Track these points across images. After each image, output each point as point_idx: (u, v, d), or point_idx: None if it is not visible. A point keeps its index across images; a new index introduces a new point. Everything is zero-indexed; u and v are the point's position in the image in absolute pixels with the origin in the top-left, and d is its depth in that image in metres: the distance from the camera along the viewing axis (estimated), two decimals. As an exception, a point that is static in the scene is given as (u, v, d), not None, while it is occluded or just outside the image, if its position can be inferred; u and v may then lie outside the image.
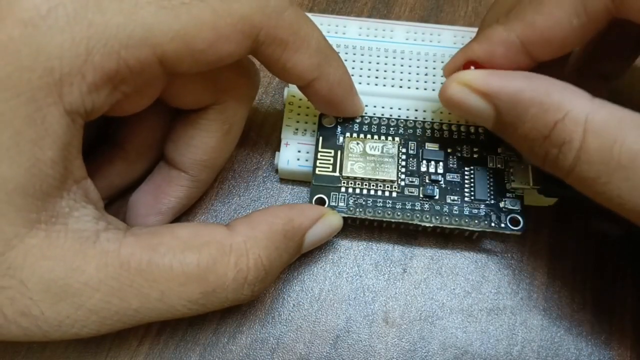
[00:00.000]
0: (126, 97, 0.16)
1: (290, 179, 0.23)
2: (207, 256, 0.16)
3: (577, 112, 0.16)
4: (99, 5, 0.14)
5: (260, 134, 0.24)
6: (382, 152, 0.21)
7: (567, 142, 0.16)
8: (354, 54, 0.24)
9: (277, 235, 0.18)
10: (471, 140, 0.22)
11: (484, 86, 0.18)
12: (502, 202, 0.21)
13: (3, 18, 0.14)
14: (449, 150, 0.22)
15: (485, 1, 0.27)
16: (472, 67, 0.20)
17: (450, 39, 0.25)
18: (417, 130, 0.22)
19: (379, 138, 0.22)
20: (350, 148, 0.22)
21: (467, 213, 0.21)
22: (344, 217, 0.21)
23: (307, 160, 0.22)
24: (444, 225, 0.21)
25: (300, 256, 0.22)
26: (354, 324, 0.21)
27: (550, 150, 0.17)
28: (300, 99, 0.23)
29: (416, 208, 0.21)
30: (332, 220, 0.20)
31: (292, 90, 0.24)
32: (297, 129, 0.23)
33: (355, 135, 0.22)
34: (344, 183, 0.21)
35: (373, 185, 0.21)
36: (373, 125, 0.22)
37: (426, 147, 0.22)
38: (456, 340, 0.21)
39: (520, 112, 0.17)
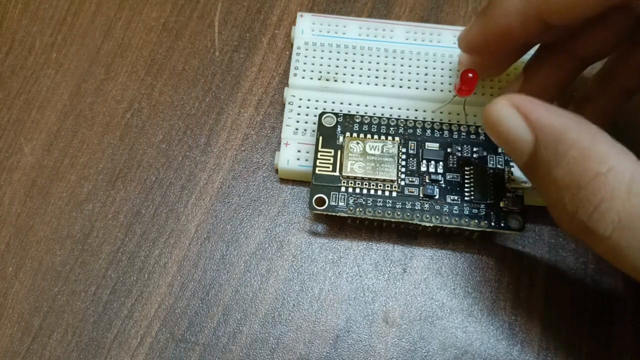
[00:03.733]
0: None
1: (290, 179, 0.23)
2: None
3: (622, 169, 0.14)
4: None
5: (260, 134, 0.24)
6: (382, 151, 0.21)
7: (606, 200, 0.14)
8: (354, 54, 0.24)
9: None
10: (471, 140, 0.22)
11: (532, 112, 0.16)
12: (502, 202, 0.21)
13: None
14: (449, 150, 0.22)
15: (485, 1, 0.27)
16: (470, 75, 0.20)
17: (450, 39, 0.25)
18: (417, 130, 0.22)
19: (379, 138, 0.22)
20: (350, 148, 0.22)
21: (467, 213, 0.21)
22: (344, 217, 0.21)
23: (307, 160, 0.22)
24: (444, 225, 0.21)
25: (300, 256, 0.22)
26: (354, 324, 0.21)
27: (583, 206, 0.15)
28: (300, 99, 0.23)
29: (416, 208, 0.21)
30: None
31: (292, 90, 0.24)
32: (297, 129, 0.23)
33: (355, 134, 0.22)
34: (344, 183, 0.21)
35: (373, 185, 0.21)
36: (373, 125, 0.22)
37: (426, 147, 0.22)
38: (456, 340, 0.21)
39: (560, 151, 0.15)
